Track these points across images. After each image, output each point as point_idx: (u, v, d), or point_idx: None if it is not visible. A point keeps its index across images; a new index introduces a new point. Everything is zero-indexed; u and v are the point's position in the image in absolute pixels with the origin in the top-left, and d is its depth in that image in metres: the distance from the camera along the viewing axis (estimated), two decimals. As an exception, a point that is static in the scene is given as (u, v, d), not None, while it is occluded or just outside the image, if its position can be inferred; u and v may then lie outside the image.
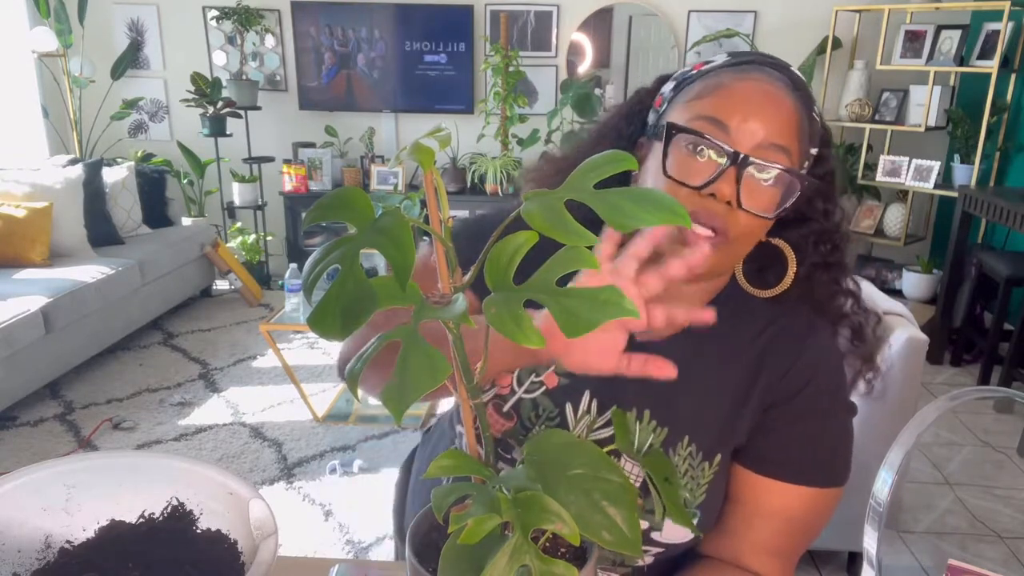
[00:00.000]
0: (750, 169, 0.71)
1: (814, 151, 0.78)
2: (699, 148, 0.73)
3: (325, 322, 0.39)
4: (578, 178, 0.45)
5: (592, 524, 0.42)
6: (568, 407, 0.82)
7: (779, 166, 0.71)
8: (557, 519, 0.39)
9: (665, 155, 0.74)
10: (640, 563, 0.82)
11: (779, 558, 0.81)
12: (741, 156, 0.70)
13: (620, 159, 0.45)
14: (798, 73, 0.79)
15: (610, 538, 0.40)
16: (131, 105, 4.38)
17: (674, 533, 0.79)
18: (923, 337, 1.75)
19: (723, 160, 0.70)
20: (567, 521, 0.39)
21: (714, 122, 0.72)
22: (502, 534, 0.40)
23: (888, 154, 4.08)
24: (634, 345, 0.82)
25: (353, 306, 0.39)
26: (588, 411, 0.82)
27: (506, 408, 0.83)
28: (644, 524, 0.78)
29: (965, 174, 3.80)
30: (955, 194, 3.58)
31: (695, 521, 0.79)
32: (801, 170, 0.76)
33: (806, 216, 0.81)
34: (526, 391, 0.84)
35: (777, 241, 0.80)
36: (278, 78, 4.59)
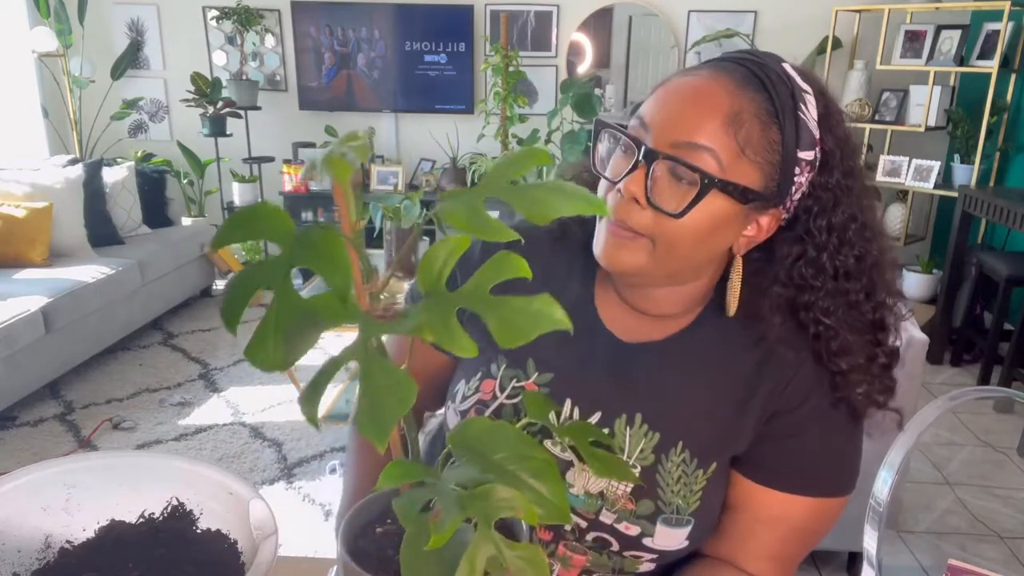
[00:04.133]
0: (663, 166, 0.70)
1: (805, 155, 0.71)
2: (621, 145, 0.74)
3: (265, 352, 0.36)
4: (496, 175, 0.44)
5: None
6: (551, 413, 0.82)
7: (686, 163, 0.68)
8: (513, 505, 0.40)
9: (594, 151, 0.77)
10: (640, 569, 0.81)
11: (781, 563, 0.80)
12: (645, 149, 0.70)
13: (536, 155, 0.45)
14: (790, 70, 0.72)
15: (541, 512, 0.41)
16: (131, 105, 4.38)
17: (666, 540, 0.78)
18: (923, 337, 1.75)
19: (636, 157, 0.71)
20: (522, 504, 0.40)
21: (640, 120, 0.73)
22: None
23: (888, 154, 4.08)
24: (628, 348, 0.83)
25: (294, 330, 0.36)
26: (571, 416, 0.81)
27: (487, 414, 0.83)
28: (635, 530, 0.78)
29: (965, 174, 3.80)
30: (955, 194, 3.58)
31: (688, 528, 0.77)
32: (787, 173, 0.71)
33: (801, 235, 0.75)
34: (508, 396, 0.83)
35: (737, 258, 0.77)
36: (278, 78, 4.59)
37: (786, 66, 0.73)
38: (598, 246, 0.76)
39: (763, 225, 0.75)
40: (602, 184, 0.76)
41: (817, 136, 0.72)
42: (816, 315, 0.74)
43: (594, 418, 0.81)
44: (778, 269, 0.76)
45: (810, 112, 0.72)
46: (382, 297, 0.44)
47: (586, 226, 0.85)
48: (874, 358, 0.76)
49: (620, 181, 0.71)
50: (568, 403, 0.82)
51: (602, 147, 0.77)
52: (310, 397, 0.37)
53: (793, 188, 0.73)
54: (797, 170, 0.72)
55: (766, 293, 0.76)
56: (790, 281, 0.75)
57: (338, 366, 0.38)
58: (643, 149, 0.70)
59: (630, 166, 0.71)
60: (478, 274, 0.43)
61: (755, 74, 0.71)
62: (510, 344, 0.39)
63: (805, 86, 0.72)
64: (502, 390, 0.84)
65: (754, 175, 0.71)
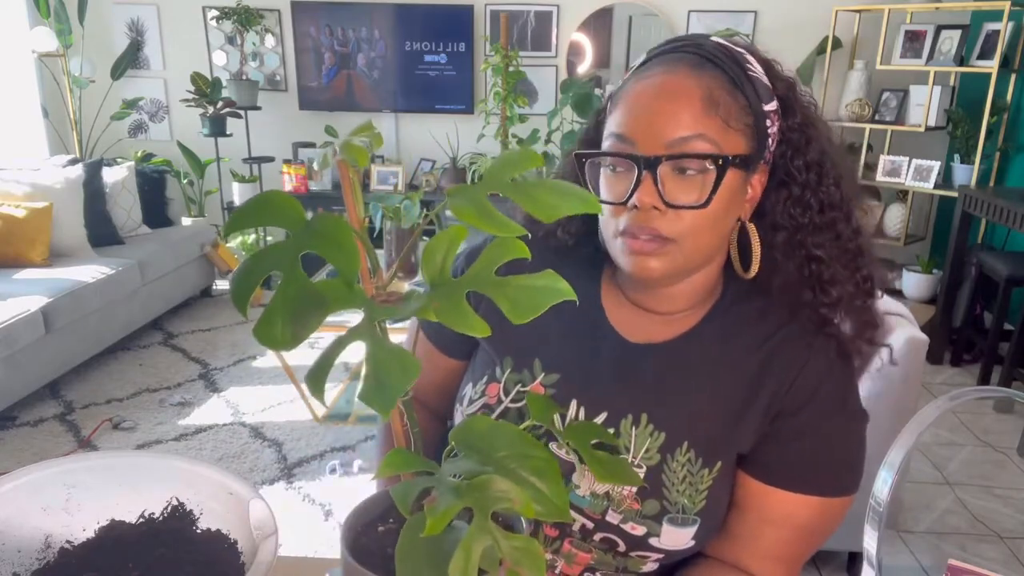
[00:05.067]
0: (666, 168, 0.71)
1: (769, 106, 0.75)
2: (614, 166, 0.75)
3: (273, 332, 0.37)
4: (495, 173, 0.46)
5: None
6: (555, 416, 0.82)
7: (694, 154, 0.70)
8: (510, 496, 0.40)
9: (586, 182, 0.78)
10: (644, 569, 0.81)
11: (785, 564, 0.80)
12: (644, 160, 0.71)
13: (529, 157, 0.48)
14: (719, 41, 0.76)
15: (541, 509, 0.41)
16: (131, 105, 4.38)
17: (672, 540, 0.78)
18: (923, 337, 1.75)
19: (635, 171, 0.72)
20: (519, 496, 0.40)
21: (620, 137, 0.74)
22: (450, 525, 0.41)
23: (888, 154, 4.08)
24: (634, 348, 0.83)
25: (301, 311, 0.37)
26: (576, 417, 0.82)
27: (494, 417, 0.83)
28: (641, 530, 0.78)
29: (965, 174, 3.80)
30: (955, 194, 3.58)
31: (694, 528, 0.78)
32: (761, 128, 0.74)
33: (783, 179, 0.78)
34: (512, 400, 0.84)
35: (748, 224, 0.78)
36: (278, 78, 4.59)
37: (714, 38, 0.77)
38: (626, 264, 0.76)
39: (756, 184, 0.78)
40: (606, 209, 0.77)
41: (771, 86, 0.76)
42: (809, 251, 0.77)
43: (600, 418, 0.81)
44: (771, 218, 0.78)
45: (756, 68, 0.75)
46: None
47: (571, 229, 0.87)
48: (858, 286, 0.79)
49: (629, 198, 0.72)
50: (574, 403, 0.82)
51: (598, 174, 0.78)
52: (317, 374, 0.38)
53: (769, 140, 0.76)
54: (768, 122, 0.75)
55: (772, 244, 0.78)
56: (783, 225, 0.78)
57: (344, 344, 0.39)
58: (642, 159, 0.71)
59: (634, 181, 0.72)
60: (482, 258, 0.44)
61: (699, 55, 0.74)
62: (522, 319, 0.41)
63: (738, 49, 0.76)
64: (506, 394, 0.84)
65: (743, 142, 0.73)
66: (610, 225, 0.77)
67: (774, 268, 0.78)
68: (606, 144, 0.76)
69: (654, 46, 0.79)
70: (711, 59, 0.73)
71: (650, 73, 0.74)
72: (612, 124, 0.75)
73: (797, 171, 0.77)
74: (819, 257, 0.77)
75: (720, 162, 0.70)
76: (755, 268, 0.79)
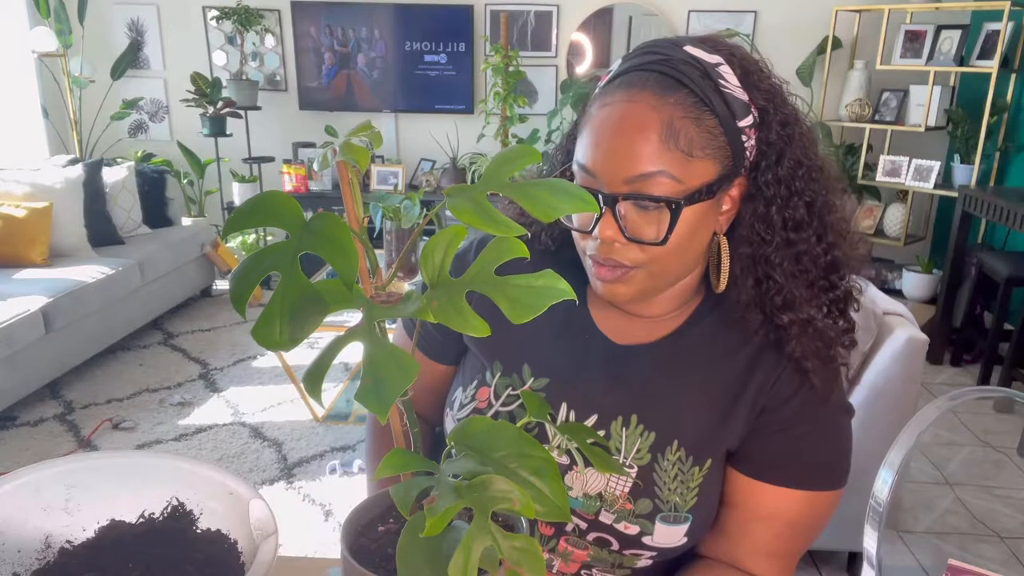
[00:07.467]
0: (626, 203, 0.71)
1: (744, 121, 0.72)
2: None
3: (271, 332, 0.37)
4: (494, 171, 0.46)
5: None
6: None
7: (647, 196, 0.70)
8: (510, 497, 0.40)
9: None
10: (638, 565, 0.82)
11: (778, 560, 0.80)
12: (603, 196, 0.71)
13: (527, 152, 0.47)
14: (692, 52, 0.72)
15: (541, 509, 0.41)
16: (131, 105, 4.38)
17: (665, 538, 0.78)
18: (923, 337, 1.75)
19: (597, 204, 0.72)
20: (519, 496, 0.40)
21: (584, 168, 0.74)
22: (450, 525, 0.41)
23: (888, 154, 4.08)
24: (622, 350, 0.83)
25: (300, 312, 0.37)
26: (567, 420, 0.82)
27: None
28: (635, 529, 0.78)
29: (965, 174, 3.80)
30: (955, 194, 3.58)
31: (687, 525, 0.78)
32: (736, 144, 0.72)
33: (752, 193, 0.76)
34: (503, 404, 0.84)
35: (721, 238, 0.78)
36: (278, 78, 4.59)
37: (688, 48, 0.73)
38: (596, 288, 0.78)
39: (734, 196, 0.76)
40: (575, 235, 0.78)
41: (747, 98, 0.73)
42: (765, 269, 0.76)
43: (590, 420, 0.81)
44: (739, 231, 0.77)
45: (730, 81, 0.72)
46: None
47: (554, 233, 0.87)
48: (831, 306, 0.77)
49: (593, 229, 0.73)
50: (564, 407, 0.83)
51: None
52: (314, 374, 0.38)
53: (747, 153, 0.74)
54: (744, 137, 0.73)
55: (736, 258, 0.77)
56: (747, 239, 0.76)
57: (342, 345, 0.39)
58: (601, 196, 0.71)
59: (596, 216, 0.72)
60: (481, 258, 0.44)
61: (666, 75, 0.71)
62: (522, 319, 0.41)
63: (714, 59, 0.72)
64: (497, 397, 0.85)
65: (710, 167, 0.71)
66: (580, 245, 0.78)
67: (734, 281, 0.78)
68: (574, 168, 0.76)
69: (630, 51, 0.77)
70: (678, 78, 0.70)
71: (613, 99, 0.72)
72: (579, 150, 0.75)
73: (765, 186, 0.74)
74: (774, 278, 0.75)
75: (672, 206, 0.70)
76: (722, 285, 0.78)
